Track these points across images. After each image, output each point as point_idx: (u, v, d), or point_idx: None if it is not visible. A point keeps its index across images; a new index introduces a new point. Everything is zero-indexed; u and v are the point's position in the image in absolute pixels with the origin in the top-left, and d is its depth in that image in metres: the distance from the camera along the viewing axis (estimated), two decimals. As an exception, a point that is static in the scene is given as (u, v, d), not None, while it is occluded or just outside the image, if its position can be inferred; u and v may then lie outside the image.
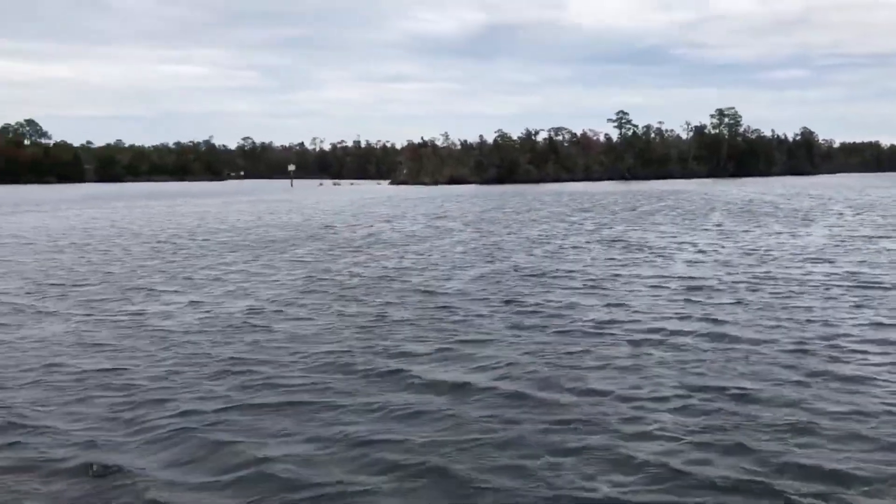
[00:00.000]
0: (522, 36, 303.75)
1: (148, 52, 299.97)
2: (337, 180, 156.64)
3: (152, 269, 17.94)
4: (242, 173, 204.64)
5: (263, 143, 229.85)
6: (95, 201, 61.37)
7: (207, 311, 12.37)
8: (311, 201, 59.24)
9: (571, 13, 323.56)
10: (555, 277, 15.97)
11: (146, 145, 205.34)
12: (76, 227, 32.96)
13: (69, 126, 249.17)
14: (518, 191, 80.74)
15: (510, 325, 11.12)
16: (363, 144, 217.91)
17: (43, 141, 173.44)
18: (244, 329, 11.04)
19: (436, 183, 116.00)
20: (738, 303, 12.73)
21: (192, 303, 13.16)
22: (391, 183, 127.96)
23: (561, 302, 12.97)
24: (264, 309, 12.54)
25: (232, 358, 9.32)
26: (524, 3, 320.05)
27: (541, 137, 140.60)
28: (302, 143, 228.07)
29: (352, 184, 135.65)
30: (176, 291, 14.51)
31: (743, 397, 7.71)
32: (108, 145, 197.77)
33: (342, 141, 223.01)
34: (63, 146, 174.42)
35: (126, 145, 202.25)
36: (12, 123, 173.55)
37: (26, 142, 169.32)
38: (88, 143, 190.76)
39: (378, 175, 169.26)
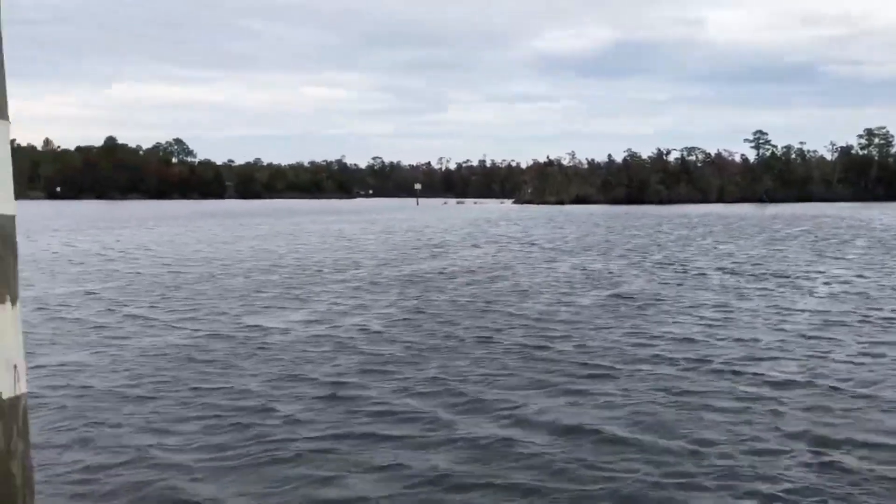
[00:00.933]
0: (654, 53, 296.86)
1: (290, 77, 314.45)
2: (461, 199, 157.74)
3: (273, 283, 18.28)
4: (371, 191, 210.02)
5: (392, 162, 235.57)
6: (238, 217, 64.39)
7: (317, 329, 12.32)
8: (432, 219, 59.75)
9: (709, 29, 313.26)
10: (679, 306, 15.00)
11: (283, 164, 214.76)
12: (206, 239, 34.47)
13: (213, 146, 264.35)
14: (646, 212, 78.38)
15: (627, 359, 10.38)
16: (488, 164, 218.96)
17: (189, 159, 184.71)
18: (351, 350, 10.87)
19: (561, 202, 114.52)
20: (890, 344, 11.41)
21: (304, 321, 13.18)
22: (515, 202, 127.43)
23: (684, 334, 12.07)
24: (372, 329, 12.36)
25: (336, 382, 9.12)
26: (657, 20, 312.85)
27: (672, 157, 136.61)
28: (429, 163, 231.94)
29: (475, 202, 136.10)
30: (283, 308, 14.63)
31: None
32: (248, 164, 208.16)
33: (468, 160, 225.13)
34: (207, 164, 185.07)
35: (264, 164, 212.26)
36: (162, 143, 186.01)
37: (174, 160, 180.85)
38: (230, 161, 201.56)
39: (502, 194, 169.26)
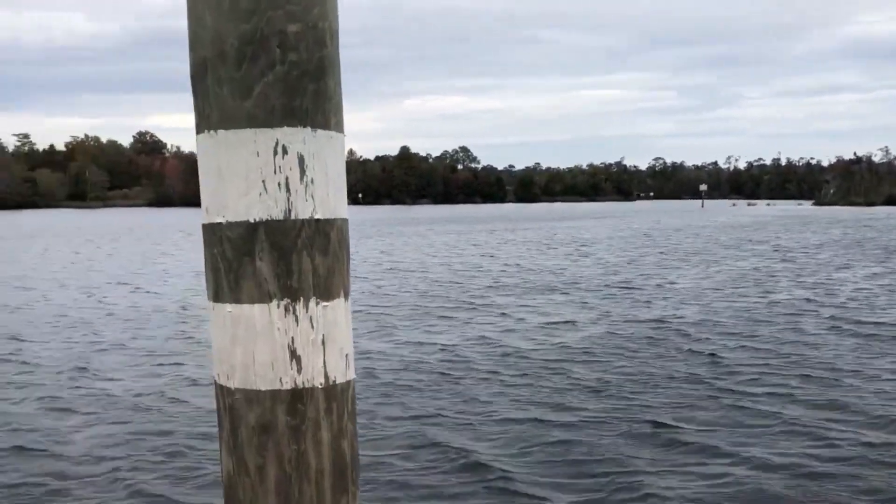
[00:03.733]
0: None
1: (569, 80, 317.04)
2: (752, 200, 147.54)
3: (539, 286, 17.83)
4: (651, 193, 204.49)
5: (674, 162, 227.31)
6: (521, 222, 65.78)
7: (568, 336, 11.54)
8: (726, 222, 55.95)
9: None
10: None
11: (561, 167, 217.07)
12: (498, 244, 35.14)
13: (494, 152, 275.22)
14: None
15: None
16: (783, 162, 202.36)
17: (473, 165, 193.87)
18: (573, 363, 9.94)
19: (870, 204, 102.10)
20: None
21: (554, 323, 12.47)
22: (814, 203, 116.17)
23: None
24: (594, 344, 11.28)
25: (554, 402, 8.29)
26: None
27: None
28: (715, 163, 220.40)
29: (768, 204, 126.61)
30: (502, 315, 14.00)
31: None
32: (527, 168, 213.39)
33: (759, 159, 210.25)
34: (489, 170, 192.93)
35: (543, 168, 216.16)
36: (449, 150, 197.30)
37: (459, 167, 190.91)
38: (510, 166, 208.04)
39: (799, 195, 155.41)
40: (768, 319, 11.97)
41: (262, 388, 1.16)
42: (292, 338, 1.16)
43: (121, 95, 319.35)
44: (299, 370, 1.16)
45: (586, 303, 14.07)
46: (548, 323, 11.93)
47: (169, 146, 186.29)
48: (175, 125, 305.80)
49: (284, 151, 1.14)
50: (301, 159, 1.15)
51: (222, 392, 1.21)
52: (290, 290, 1.16)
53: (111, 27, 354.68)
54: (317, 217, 1.17)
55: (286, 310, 1.15)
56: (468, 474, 5.46)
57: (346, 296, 1.22)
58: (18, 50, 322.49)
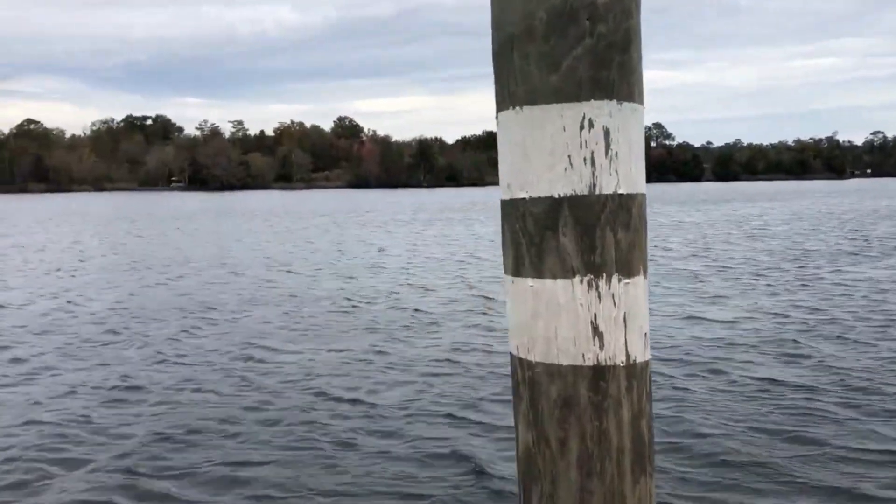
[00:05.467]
0: None
1: (776, 50, 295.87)
2: None
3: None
4: (868, 170, 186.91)
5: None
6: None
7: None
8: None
9: None
10: None
11: (764, 143, 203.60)
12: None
13: (691, 128, 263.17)
14: None
15: None
16: None
17: (667, 143, 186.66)
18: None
19: None
20: None
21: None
22: None
23: None
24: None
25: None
26: None
27: None
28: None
29: None
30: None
31: None
32: (727, 145, 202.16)
33: None
34: (685, 147, 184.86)
35: (744, 144, 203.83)
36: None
37: (653, 143, 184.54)
38: (708, 143, 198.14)
39: None
40: None
41: (564, 363, 1.16)
42: (595, 314, 1.15)
43: (323, 83, 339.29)
44: (601, 347, 1.15)
45: None
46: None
47: (366, 130, 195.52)
48: (371, 110, 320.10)
49: (591, 125, 1.13)
50: (607, 133, 1.13)
51: (521, 364, 1.22)
52: (594, 265, 1.14)
53: (314, 17, 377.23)
54: (620, 192, 1.15)
55: (589, 285, 1.15)
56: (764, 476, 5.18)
57: (645, 273, 1.20)
58: (233, 43, 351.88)
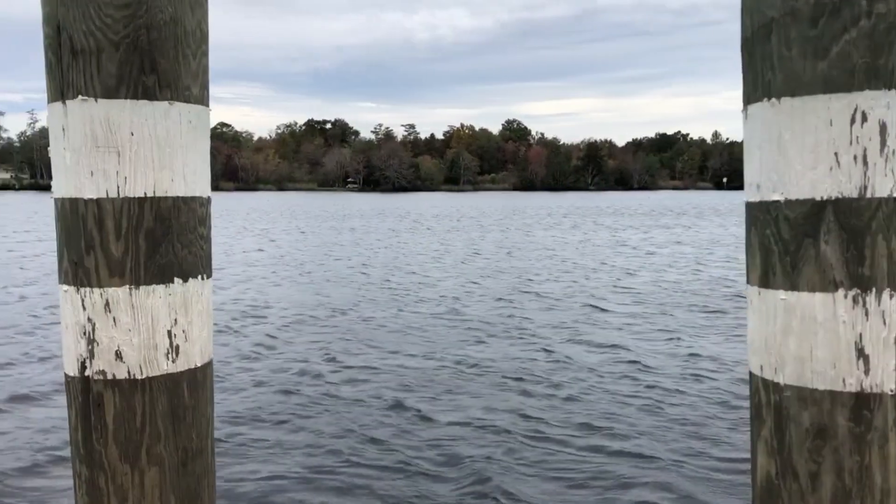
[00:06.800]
0: None
1: None
2: None
3: None
4: None
5: None
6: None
7: None
8: None
9: None
10: None
11: None
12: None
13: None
14: None
15: None
16: None
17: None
18: None
19: None
20: None
21: None
22: None
23: None
24: None
25: None
26: None
27: None
28: None
29: None
30: None
31: None
32: None
33: None
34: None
35: None
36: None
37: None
38: None
39: None
40: None
41: (821, 388, 1.04)
42: (860, 334, 1.02)
43: (492, 85, 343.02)
44: (866, 372, 1.02)
45: None
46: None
47: (534, 132, 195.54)
48: (540, 112, 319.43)
49: (864, 119, 1.00)
50: (883, 127, 0.99)
51: (765, 386, 1.11)
52: (861, 278, 1.02)
53: (486, 21, 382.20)
54: (895, 195, 1.01)
55: (854, 301, 1.02)
56: None
57: None
58: (410, 49, 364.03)
